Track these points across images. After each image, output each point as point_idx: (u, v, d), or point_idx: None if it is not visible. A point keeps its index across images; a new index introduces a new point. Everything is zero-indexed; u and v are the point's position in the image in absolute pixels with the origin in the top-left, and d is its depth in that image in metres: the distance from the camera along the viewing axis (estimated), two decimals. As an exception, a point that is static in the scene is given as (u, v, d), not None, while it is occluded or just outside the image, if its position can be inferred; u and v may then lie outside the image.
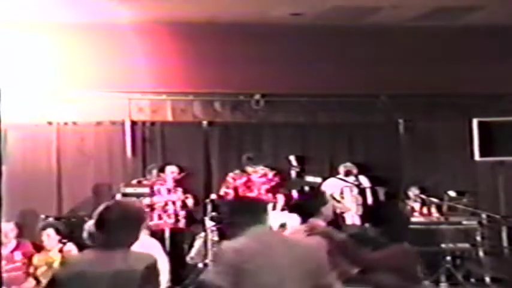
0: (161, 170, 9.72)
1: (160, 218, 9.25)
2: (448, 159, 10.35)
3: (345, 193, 9.79)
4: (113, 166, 9.99)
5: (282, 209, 9.39)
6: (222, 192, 9.41)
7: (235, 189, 9.41)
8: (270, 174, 9.53)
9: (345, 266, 4.55)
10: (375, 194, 9.82)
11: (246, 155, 9.63)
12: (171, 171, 9.64)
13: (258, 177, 9.48)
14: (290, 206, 4.33)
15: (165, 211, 9.36)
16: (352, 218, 9.71)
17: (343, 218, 9.72)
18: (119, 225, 3.81)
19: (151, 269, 3.75)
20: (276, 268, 3.81)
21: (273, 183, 9.52)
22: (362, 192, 9.80)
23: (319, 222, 5.20)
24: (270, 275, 3.78)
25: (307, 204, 5.21)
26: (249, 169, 9.45)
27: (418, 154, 10.41)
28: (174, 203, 9.49)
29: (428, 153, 10.40)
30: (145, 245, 7.34)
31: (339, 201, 9.77)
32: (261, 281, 3.77)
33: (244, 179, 9.45)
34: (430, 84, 10.03)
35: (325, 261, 4.07)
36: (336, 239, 4.65)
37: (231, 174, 9.52)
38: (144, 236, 7.59)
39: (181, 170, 9.75)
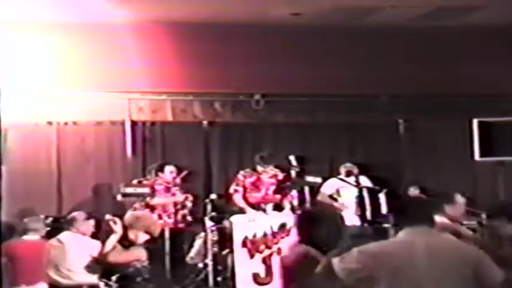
0: (160, 170, 9.70)
1: (160, 218, 9.23)
2: (448, 159, 10.36)
3: (343, 193, 9.79)
4: (113, 166, 10.00)
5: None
6: (231, 190, 9.38)
7: (244, 187, 9.39)
8: (281, 175, 9.51)
9: None
10: (374, 194, 9.82)
11: (259, 154, 9.61)
12: (170, 170, 9.63)
13: (268, 178, 9.47)
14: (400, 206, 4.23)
15: (165, 211, 9.35)
16: (352, 218, 9.71)
17: (342, 219, 9.70)
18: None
19: None
20: (413, 269, 3.81)
21: (281, 185, 9.50)
22: (361, 192, 9.80)
23: (446, 221, 5.17)
24: (404, 277, 3.81)
25: (426, 203, 5.03)
26: (260, 168, 9.44)
27: (418, 154, 10.42)
28: (174, 203, 9.48)
29: (428, 153, 10.41)
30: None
31: (338, 201, 9.78)
32: (394, 283, 3.80)
33: (253, 178, 9.43)
34: (430, 84, 10.04)
35: (485, 257, 3.92)
36: (467, 236, 4.61)
37: (241, 172, 9.49)
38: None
39: (179, 169, 9.73)
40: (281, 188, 9.43)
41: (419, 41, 9.87)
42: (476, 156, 9.74)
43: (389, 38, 9.75)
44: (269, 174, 9.43)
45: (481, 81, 9.87)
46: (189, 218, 9.53)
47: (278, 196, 9.41)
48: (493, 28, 9.47)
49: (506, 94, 9.94)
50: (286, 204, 9.33)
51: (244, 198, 9.32)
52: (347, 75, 9.86)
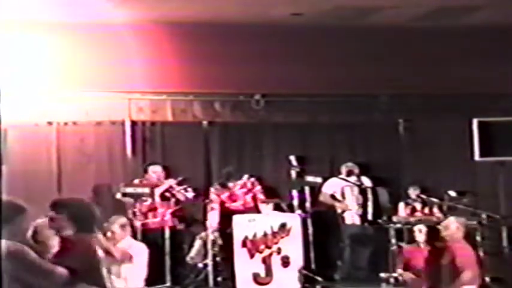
0: (144, 170, 9.64)
1: (159, 217, 9.21)
2: (448, 159, 10.35)
3: (345, 193, 9.78)
4: (113, 166, 9.99)
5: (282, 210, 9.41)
6: (209, 209, 9.25)
7: (221, 203, 9.39)
8: (249, 183, 9.54)
9: None
10: (375, 194, 9.82)
11: (226, 169, 9.64)
12: (153, 171, 9.55)
13: (239, 189, 9.50)
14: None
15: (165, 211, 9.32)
16: (352, 217, 9.71)
17: (343, 218, 9.72)
18: None
19: None
20: None
21: (255, 190, 9.52)
22: (363, 192, 9.80)
23: None
24: None
25: None
26: (230, 184, 9.47)
27: (418, 154, 10.41)
28: (174, 203, 9.43)
29: (428, 153, 10.40)
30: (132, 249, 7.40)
31: (339, 201, 9.78)
32: None
33: (226, 194, 9.45)
34: (430, 84, 10.04)
35: None
36: None
37: (212, 190, 9.48)
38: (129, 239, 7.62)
39: (165, 169, 9.67)
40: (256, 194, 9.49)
41: (419, 41, 9.88)
42: (476, 156, 9.75)
43: (389, 38, 9.75)
44: (238, 185, 9.47)
45: (481, 81, 9.86)
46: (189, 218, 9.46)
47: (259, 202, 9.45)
48: (493, 28, 9.48)
49: (506, 94, 9.94)
50: (264, 207, 9.37)
51: (225, 208, 9.34)
52: (347, 75, 9.86)
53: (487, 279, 9.08)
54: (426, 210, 9.80)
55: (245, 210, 9.32)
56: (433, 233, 7.30)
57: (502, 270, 9.23)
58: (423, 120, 10.46)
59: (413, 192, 9.90)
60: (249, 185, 9.53)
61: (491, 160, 9.82)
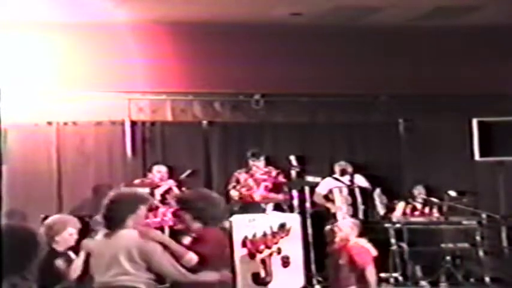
0: (149, 170, 9.65)
1: (159, 216, 9.21)
2: (448, 159, 10.36)
3: (334, 194, 9.77)
4: (113, 166, 9.99)
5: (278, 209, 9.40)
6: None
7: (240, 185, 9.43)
8: (274, 172, 9.54)
9: None
10: (365, 193, 9.81)
11: (251, 151, 9.65)
12: (157, 170, 9.55)
13: (261, 175, 9.50)
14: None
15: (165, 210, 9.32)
16: (344, 218, 9.69)
17: (335, 218, 9.71)
18: None
19: None
20: None
21: (275, 182, 9.51)
22: (352, 192, 9.79)
23: None
24: None
25: None
26: (251, 162, 9.48)
27: (418, 154, 10.42)
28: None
29: (428, 153, 10.40)
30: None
31: (332, 202, 9.76)
32: None
33: (247, 175, 9.48)
34: (430, 84, 10.04)
35: None
36: None
37: (238, 171, 9.56)
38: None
39: (170, 169, 9.68)
40: (275, 185, 9.46)
41: (419, 41, 9.88)
42: (476, 156, 9.74)
43: (389, 38, 9.75)
44: (261, 171, 9.47)
45: (481, 81, 9.87)
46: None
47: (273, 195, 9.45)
48: (493, 28, 9.47)
49: (506, 94, 9.94)
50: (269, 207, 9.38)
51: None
52: (347, 75, 9.86)
53: (487, 279, 9.11)
54: (426, 210, 9.80)
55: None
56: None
57: (502, 270, 9.23)
58: (423, 120, 10.46)
59: (417, 191, 9.89)
60: (273, 173, 9.53)
61: (491, 160, 9.81)
